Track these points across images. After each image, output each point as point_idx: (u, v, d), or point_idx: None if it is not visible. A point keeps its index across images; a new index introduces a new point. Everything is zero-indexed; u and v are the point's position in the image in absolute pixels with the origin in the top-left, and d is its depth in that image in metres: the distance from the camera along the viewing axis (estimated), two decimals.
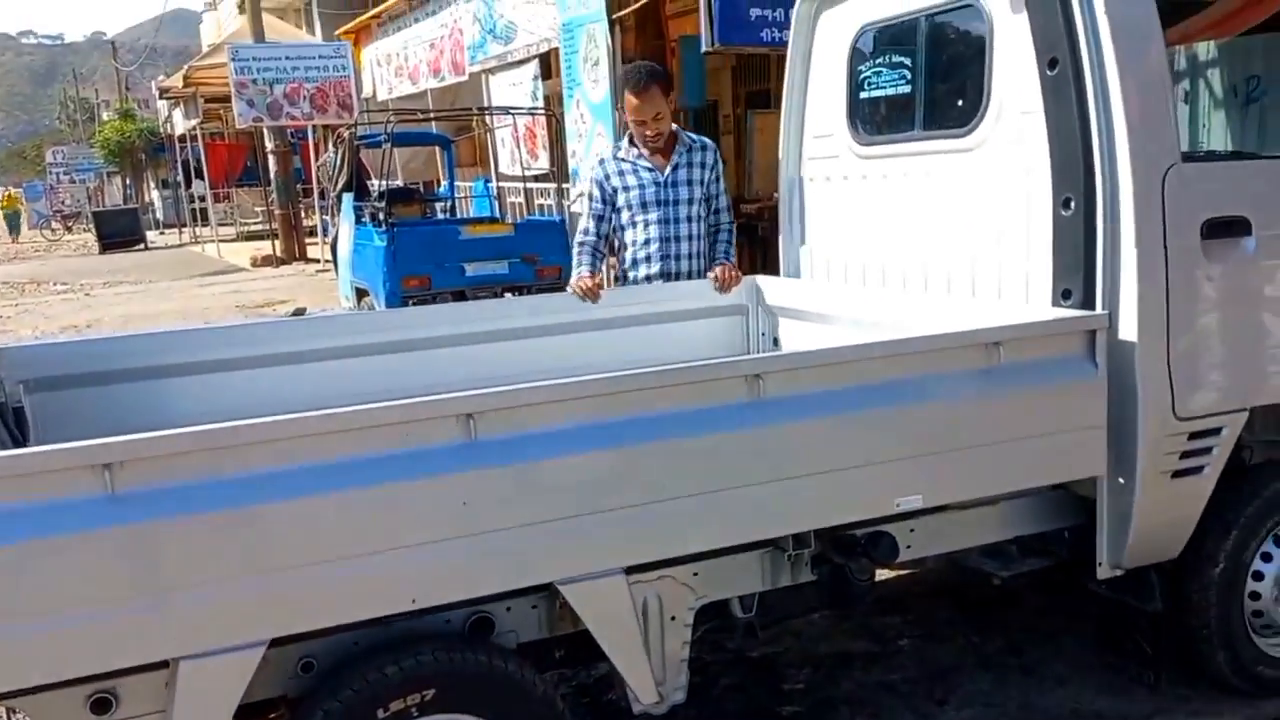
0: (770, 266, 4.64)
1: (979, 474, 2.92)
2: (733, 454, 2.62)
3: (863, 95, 3.96)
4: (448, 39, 14.66)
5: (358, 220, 9.76)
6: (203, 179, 25.30)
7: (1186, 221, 3.00)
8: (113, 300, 16.12)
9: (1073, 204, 3.05)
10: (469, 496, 2.36)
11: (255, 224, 26.61)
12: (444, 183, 13.07)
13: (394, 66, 17.51)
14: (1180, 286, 3.01)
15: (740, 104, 13.56)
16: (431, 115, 13.59)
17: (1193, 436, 3.10)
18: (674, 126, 4.46)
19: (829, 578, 2.96)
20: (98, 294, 17.22)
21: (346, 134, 10.72)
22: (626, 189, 4.45)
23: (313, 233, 20.62)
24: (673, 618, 2.77)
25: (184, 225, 30.31)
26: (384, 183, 9.91)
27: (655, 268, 4.46)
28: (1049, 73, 3.07)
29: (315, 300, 13.50)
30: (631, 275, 4.53)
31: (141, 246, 27.75)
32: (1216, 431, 3.14)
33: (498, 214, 12.37)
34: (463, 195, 13.33)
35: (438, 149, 13.89)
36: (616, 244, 4.60)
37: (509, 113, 11.74)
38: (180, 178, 30.00)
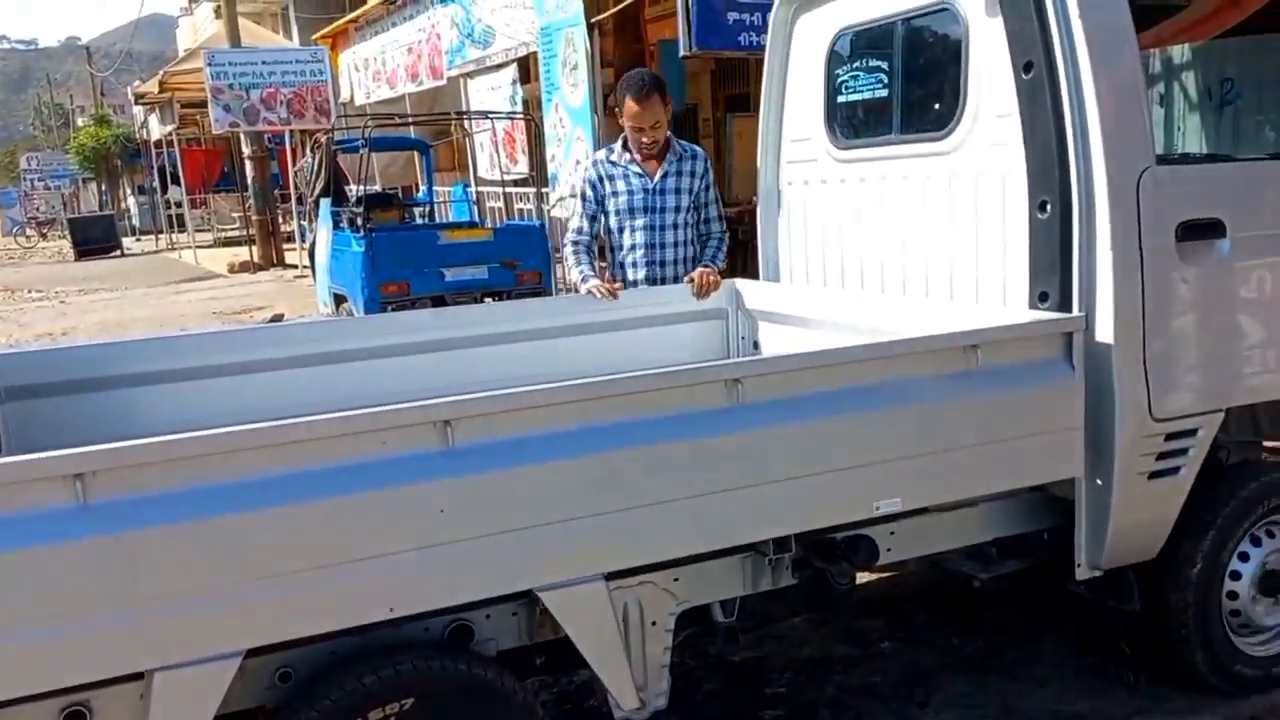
0: (750, 270, 4.64)
1: (958, 476, 2.93)
2: (713, 458, 2.61)
3: (840, 99, 3.97)
4: (425, 43, 14.62)
5: (336, 225, 9.72)
6: (179, 185, 25.10)
7: (1161, 224, 3.02)
8: (88, 307, 15.99)
9: (1049, 207, 3.07)
10: (447, 504, 2.34)
11: (232, 230, 26.45)
12: (422, 188, 13.03)
13: (371, 71, 17.45)
14: (1156, 288, 3.03)
15: (720, 108, 13.60)
16: (409, 120, 13.54)
17: (1169, 437, 3.12)
18: (668, 134, 4.47)
19: (810, 581, 2.95)
20: (73, 301, 17.07)
21: (324, 139, 10.68)
22: (615, 194, 4.47)
23: (290, 238, 20.53)
24: (653, 623, 2.76)
25: (160, 231, 30.11)
26: (362, 188, 9.87)
27: (641, 273, 4.49)
28: (1024, 76, 3.09)
29: (293, 307, 13.44)
30: (619, 279, 4.53)
31: (117, 253, 27.55)
32: (1193, 432, 3.16)
33: (477, 219, 12.34)
34: (441, 200, 13.27)
35: (416, 154, 13.86)
36: (606, 246, 4.62)
37: (487, 117, 11.72)
38: (156, 183, 29.81)
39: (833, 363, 2.83)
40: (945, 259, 3.51)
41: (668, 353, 4.11)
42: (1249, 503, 3.30)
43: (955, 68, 3.38)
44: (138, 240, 32.49)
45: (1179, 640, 3.28)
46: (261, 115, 17.34)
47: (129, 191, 39.72)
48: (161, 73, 23.66)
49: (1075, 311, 3.04)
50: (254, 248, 20.52)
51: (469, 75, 13.31)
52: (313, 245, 11.36)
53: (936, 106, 3.56)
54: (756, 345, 4.34)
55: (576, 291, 4.41)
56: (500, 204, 12.90)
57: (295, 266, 18.58)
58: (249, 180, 20.46)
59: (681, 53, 8.22)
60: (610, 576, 2.59)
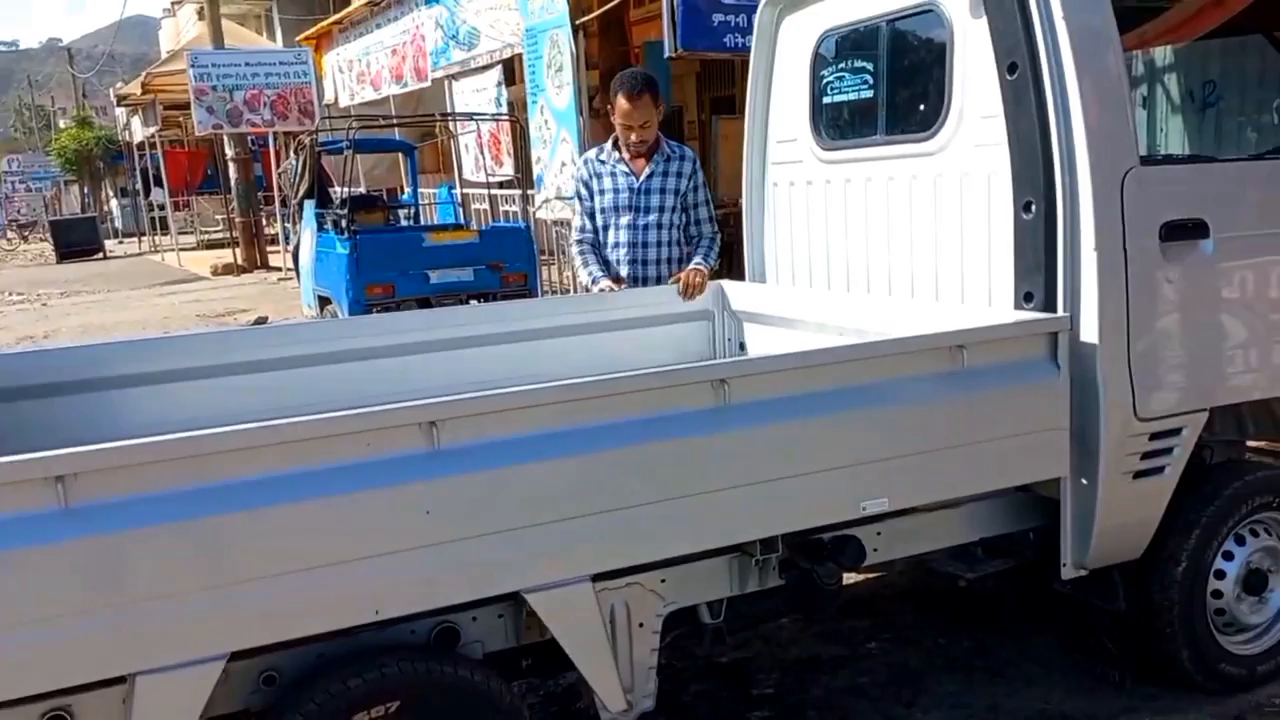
0: (736, 272, 4.64)
1: (944, 476, 2.93)
2: (699, 459, 2.61)
3: (826, 100, 3.97)
4: (410, 45, 14.57)
5: (320, 228, 9.67)
6: (162, 187, 24.96)
7: (1145, 224, 3.04)
8: (70, 310, 15.88)
9: (1033, 207, 3.08)
10: (433, 505, 2.33)
11: (216, 232, 26.31)
12: (407, 189, 12.99)
13: (356, 73, 17.39)
14: (1140, 288, 3.04)
15: (705, 109, 13.61)
16: (394, 121, 13.50)
17: (1154, 437, 3.14)
18: (658, 135, 4.51)
19: (797, 582, 2.95)
20: (55, 304, 16.95)
21: (308, 140, 10.62)
22: (602, 192, 4.53)
23: (274, 241, 20.45)
24: (641, 625, 2.75)
25: (143, 234, 29.94)
26: (346, 190, 9.83)
27: (624, 270, 4.52)
28: (1009, 77, 3.10)
29: (277, 309, 13.39)
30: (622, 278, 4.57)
31: (100, 256, 27.39)
32: (1177, 432, 3.17)
33: (462, 220, 12.31)
34: (426, 202, 13.24)
35: (401, 155, 13.81)
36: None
37: (472, 119, 11.70)
38: (139, 186, 29.61)
39: (819, 363, 2.83)
40: (931, 259, 3.52)
41: (654, 354, 4.11)
42: (1233, 502, 3.31)
43: (940, 69, 3.39)
44: (120, 243, 32.29)
45: (1164, 639, 3.29)
46: (245, 117, 17.28)
47: (111, 194, 39.50)
48: (144, 74, 23.52)
49: (1060, 312, 3.05)
50: (237, 250, 20.43)
51: (454, 77, 13.28)
52: (296, 247, 11.31)
53: (922, 107, 3.57)
54: (743, 346, 4.34)
55: (588, 291, 4.47)
56: (485, 206, 12.88)
57: (279, 269, 18.50)
58: (232, 182, 20.37)
59: (667, 54, 8.21)
60: (597, 578, 2.58)
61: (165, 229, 26.20)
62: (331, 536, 2.25)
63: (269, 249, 20.61)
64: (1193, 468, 3.25)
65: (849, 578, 3.43)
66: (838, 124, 4.00)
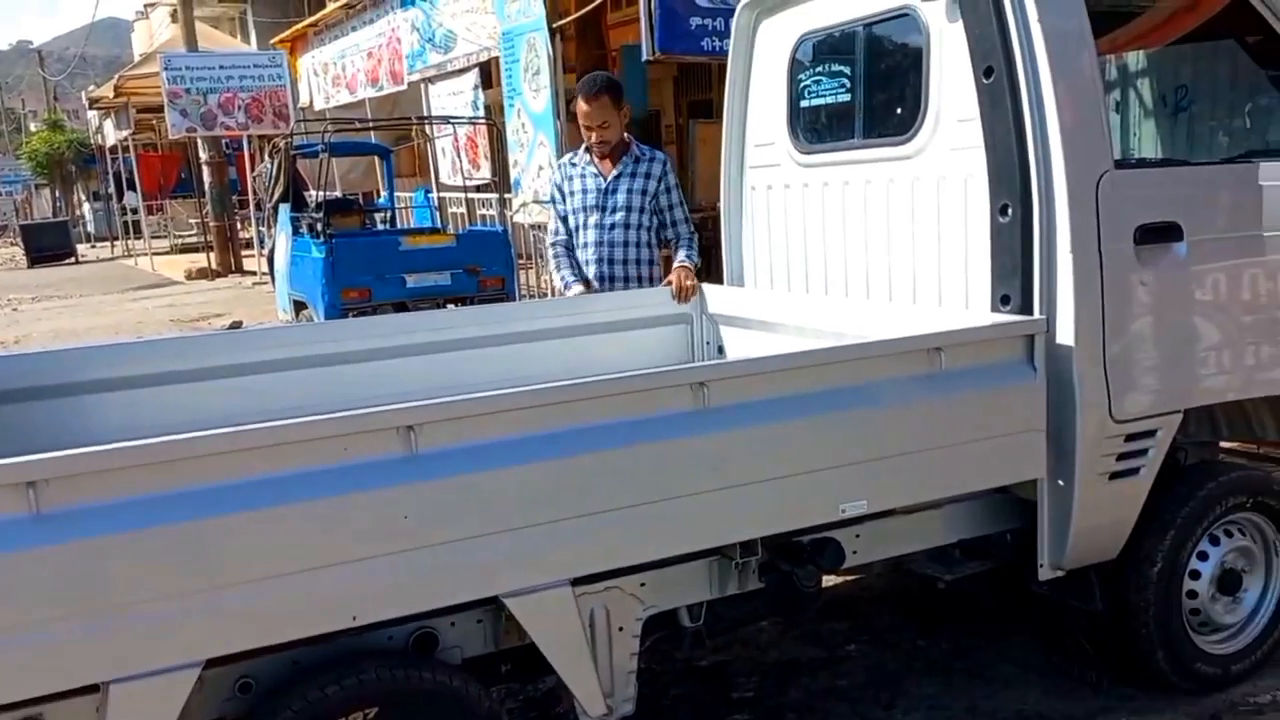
0: (715, 276, 4.66)
1: (923, 478, 2.94)
2: (678, 463, 2.60)
3: (803, 104, 3.98)
4: (386, 48, 14.53)
5: (295, 232, 9.62)
6: (135, 191, 24.77)
7: (1120, 227, 3.06)
8: (41, 315, 15.71)
9: (1010, 210, 3.09)
10: (410, 510, 2.32)
11: (190, 236, 26.13)
12: (383, 193, 12.94)
13: (331, 76, 17.32)
14: (1115, 291, 3.07)
15: (682, 114, 13.64)
16: (370, 125, 13.45)
17: (1129, 438, 3.15)
18: (629, 137, 4.59)
19: (776, 585, 2.95)
20: (26, 309, 16.76)
21: (283, 144, 10.57)
22: (572, 194, 4.61)
23: (249, 245, 20.31)
24: (620, 629, 2.74)
25: (116, 238, 29.67)
26: (322, 193, 9.78)
27: (592, 270, 4.57)
28: (985, 81, 3.11)
29: (252, 314, 13.29)
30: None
31: (72, 260, 27.11)
32: (1152, 433, 3.19)
33: (439, 224, 12.27)
34: (403, 206, 13.20)
35: (377, 159, 13.75)
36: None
37: (449, 122, 11.67)
38: (112, 189, 29.37)
39: (798, 366, 2.83)
40: (908, 262, 3.53)
41: (632, 357, 4.10)
42: (1207, 502, 3.33)
43: (917, 72, 3.40)
44: (93, 247, 31.99)
45: (1140, 639, 3.31)
46: (219, 120, 17.15)
47: (84, 198, 39.14)
48: (117, 77, 23.32)
49: (1036, 314, 3.06)
50: (212, 254, 20.27)
51: (430, 80, 13.24)
52: (272, 251, 11.24)
53: (898, 111, 3.58)
54: (721, 350, 4.34)
55: (564, 295, 4.53)
56: (463, 210, 12.85)
57: (254, 273, 18.37)
58: (206, 186, 20.20)
59: (644, 57, 8.22)
60: (577, 582, 2.57)
61: (138, 233, 25.97)
62: (308, 541, 2.23)
63: (243, 253, 20.47)
64: (1167, 469, 3.27)
65: (828, 580, 3.43)
66: (815, 127, 4.01)
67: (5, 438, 3.08)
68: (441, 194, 13.49)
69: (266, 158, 11.89)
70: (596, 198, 4.54)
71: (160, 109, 18.11)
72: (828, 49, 3.88)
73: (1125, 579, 3.29)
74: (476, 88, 12.04)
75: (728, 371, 2.86)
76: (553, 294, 4.92)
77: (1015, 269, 3.09)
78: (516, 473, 2.41)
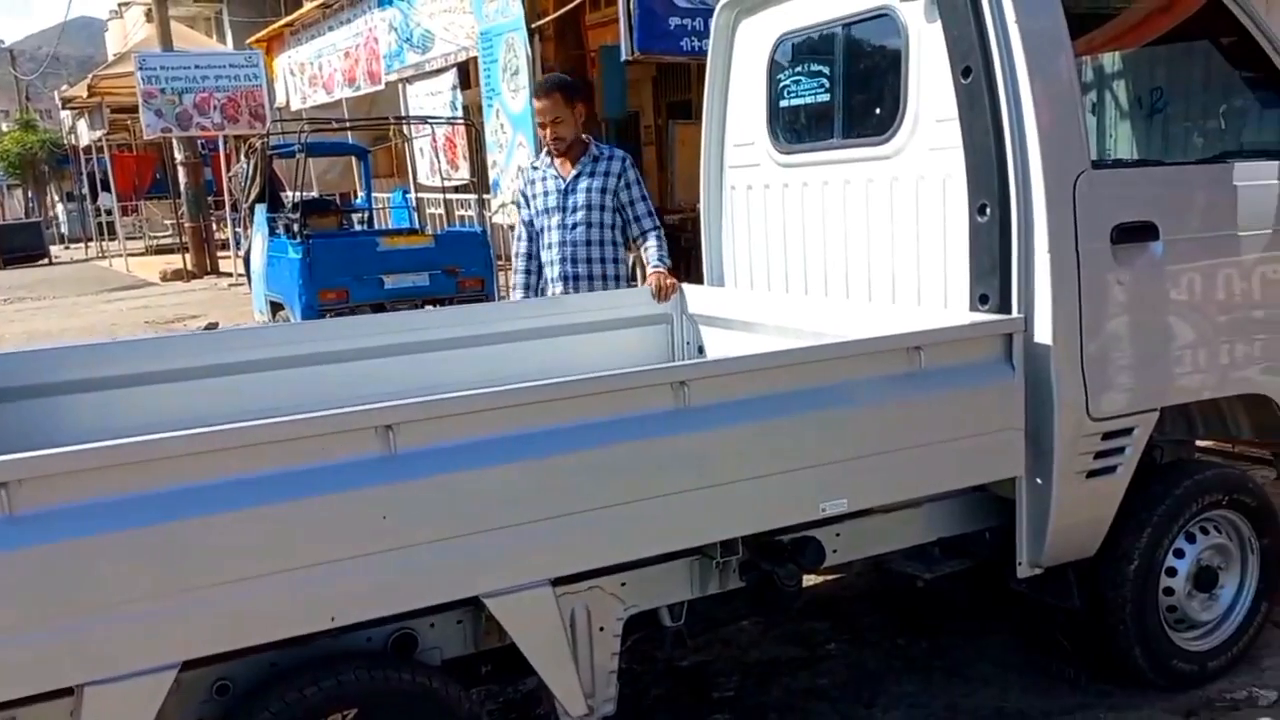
0: (694, 276, 4.66)
1: (902, 477, 2.95)
2: (659, 462, 2.60)
3: (782, 104, 3.99)
4: (363, 48, 14.47)
5: (272, 232, 9.56)
6: (109, 191, 24.56)
7: (1097, 226, 3.08)
8: (14, 317, 15.54)
9: (988, 210, 3.11)
10: (389, 510, 2.30)
11: (165, 237, 25.89)
12: (361, 194, 12.88)
13: (308, 76, 17.23)
14: (1092, 290, 3.09)
15: (662, 114, 13.64)
16: (347, 125, 13.38)
17: (1106, 437, 3.17)
18: (588, 138, 4.65)
19: (757, 584, 2.95)
20: None
21: (259, 144, 10.50)
22: (534, 197, 4.68)
23: (224, 246, 20.19)
24: (601, 628, 2.74)
25: (90, 239, 29.41)
26: (298, 194, 9.72)
27: (555, 271, 4.62)
28: (963, 81, 3.13)
29: (228, 315, 13.19)
30: (542, 279, 4.71)
31: (45, 261, 26.86)
32: (1129, 431, 3.21)
33: (417, 225, 12.22)
34: (380, 206, 13.14)
35: (354, 159, 13.69)
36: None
37: (427, 122, 11.63)
38: (86, 190, 29.09)
39: (778, 365, 2.83)
40: (888, 262, 3.54)
41: (613, 358, 4.09)
42: (1183, 500, 3.36)
43: (896, 73, 3.41)
44: (67, 248, 31.70)
45: (1118, 636, 3.33)
46: (195, 120, 17.05)
47: (57, 199, 38.75)
48: (91, 77, 23.12)
49: (1015, 313, 3.08)
50: (187, 256, 20.12)
51: (408, 80, 13.20)
52: (248, 253, 11.16)
53: (877, 111, 3.59)
54: (701, 350, 4.34)
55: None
56: (441, 211, 12.82)
57: (229, 274, 18.26)
58: (182, 187, 20.07)
59: (623, 57, 8.23)
60: (557, 582, 2.56)
61: (113, 234, 25.75)
62: (286, 542, 2.21)
63: (219, 254, 20.34)
64: (1144, 467, 3.30)
65: (808, 580, 3.44)
66: (795, 128, 4.02)
67: None
68: (420, 195, 13.46)
69: (243, 158, 11.82)
70: (557, 199, 4.60)
71: (135, 109, 17.97)
72: (807, 49, 3.88)
73: (1103, 576, 3.31)
74: (455, 88, 12.02)
75: (708, 371, 2.85)
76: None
77: (993, 268, 3.11)
78: (496, 472, 2.40)
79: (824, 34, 3.76)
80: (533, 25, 9.44)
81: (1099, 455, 3.17)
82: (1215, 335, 3.34)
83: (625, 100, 10.47)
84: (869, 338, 3.06)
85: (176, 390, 3.54)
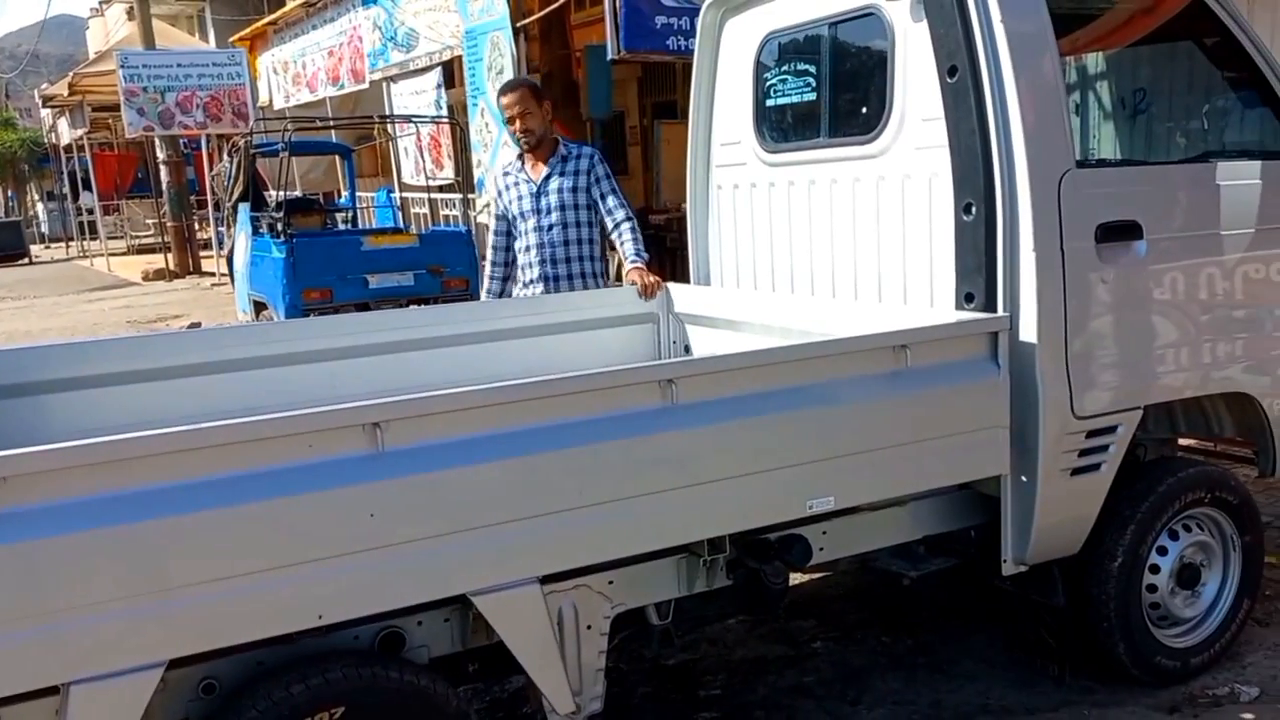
0: (681, 276, 4.67)
1: (889, 474, 2.96)
2: (647, 460, 2.60)
3: (769, 103, 3.99)
4: (347, 46, 14.42)
5: (255, 231, 9.51)
6: (91, 190, 24.39)
7: (1081, 225, 3.10)
8: None
9: (973, 209, 3.12)
10: (376, 508, 2.29)
11: (147, 237, 25.75)
12: (345, 193, 12.83)
13: (291, 74, 17.16)
14: (1077, 289, 3.10)
15: (647, 114, 13.64)
16: (331, 124, 13.33)
17: (1090, 435, 3.19)
18: (559, 138, 4.71)
19: (744, 582, 2.96)
20: None
21: (242, 142, 10.45)
22: (511, 200, 4.71)
23: (207, 245, 20.09)
24: (589, 627, 2.74)
25: (71, 239, 29.22)
26: (282, 193, 9.67)
27: (534, 273, 4.65)
28: (949, 80, 3.14)
29: (210, 315, 13.14)
30: (521, 283, 4.74)
31: (25, 261, 26.66)
32: (1113, 430, 3.23)
33: (401, 224, 12.18)
34: (364, 205, 13.10)
35: (338, 158, 13.64)
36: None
37: (411, 121, 11.60)
38: (67, 189, 28.92)
39: (765, 363, 2.83)
40: (873, 261, 3.55)
41: (599, 357, 4.09)
42: (1166, 498, 3.38)
43: (882, 72, 3.42)
44: (47, 248, 31.47)
45: (1102, 633, 3.35)
46: (177, 119, 16.95)
47: (37, 198, 38.48)
48: (71, 74, 22.94)
49: (1000, 312, 3.09)
50: (169, 255, 20.01)
51: (392, 79, 13.17)
52: (231, 252, 11.10)
53: (864, 110, 3.60)
54: (688, 349, 4.34)
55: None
56: (425, 210, 12.79)
57: (212, 274, 18.17)
58: (164, 186, 19.96)
59: (610, 56, 8.22)
60: (545, 580, 2.56)
61: (94, 234, 25.58)
62: (273, 540, 2.20)
63: (202, 254, 20.23)
64: (1128, 465, 3.32)
65: (793, 578, 3.45)
66: (781, 127, 4.02)
67: None
68: (404, 194, 13.42)
69: (225, 156, 11.76)
70: (530, 201, 4.63)
71: (116, 107, 17.84)
72: (793, 48, 3.89)
73: (1087, 574, 3.33)
74: (439, 87, 11.99)
75: (696, 369, 2.85)
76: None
77: (979, 267, 3.12)
78: (485, 470, 2.40)
79: (810, 33, 3.77)
80: (518, 24, 9.43)
81: (1083, 453, 3.19)
82: (1198, 334, 3.36)
83: (611, 100, 10.46)
84: (855, 336, 3.07)
85: (160, 389, 3.52)
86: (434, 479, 2.35)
